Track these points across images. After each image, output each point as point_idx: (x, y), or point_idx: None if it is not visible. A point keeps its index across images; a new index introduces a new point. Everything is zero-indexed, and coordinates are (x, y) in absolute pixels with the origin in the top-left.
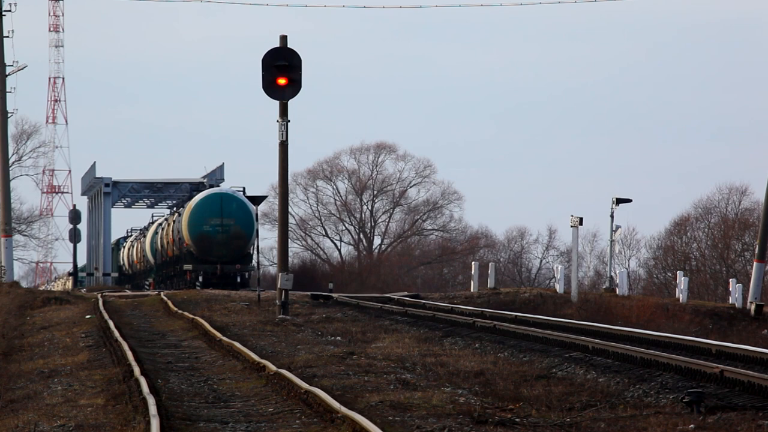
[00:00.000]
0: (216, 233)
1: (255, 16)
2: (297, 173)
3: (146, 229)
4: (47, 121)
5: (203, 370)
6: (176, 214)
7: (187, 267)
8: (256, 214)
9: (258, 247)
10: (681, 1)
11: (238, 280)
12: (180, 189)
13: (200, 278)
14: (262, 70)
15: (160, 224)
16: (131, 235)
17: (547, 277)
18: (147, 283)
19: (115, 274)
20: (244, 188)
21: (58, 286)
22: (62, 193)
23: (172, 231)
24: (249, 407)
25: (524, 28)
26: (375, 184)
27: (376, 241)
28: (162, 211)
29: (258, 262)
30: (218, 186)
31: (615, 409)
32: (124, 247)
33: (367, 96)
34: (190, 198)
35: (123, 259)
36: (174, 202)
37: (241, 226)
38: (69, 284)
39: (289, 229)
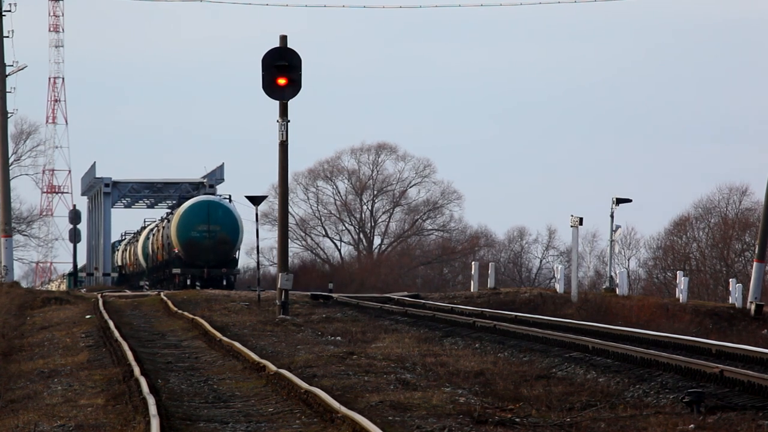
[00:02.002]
0: (203, 239)
1: (255, 16)
2: (297, 173)
3: (138, 233)
4: (47, 121)
5: (203, 370)
6: (166, 221)
7: (176, 271)
8: (256, 215)
9: (258, 247)
10: (681, 1)
11: (224, 282)
12: (180, 189)
13: (188, 281)
14: (262, 70)
15: (151, 230)
16: (125, 239)
17: (547, 277)
18: (145, 284)
19: (115, 274)
20: (230, 196)
21: (53, 287)
22: (62, 193)
23: (162, 236)
24: (249, 407)
25: (524, 28)
26: (375, 184)
27: (376, 241)
28: (162, 211)
29: (258, 262)
30: (216, 188)
31: (615, 409)
32: (118, 250)
33: (367, 96)
34: (179, 205)
35: (117, 262)
36: (174, 202)
37: (227, 232)
38: (63, 285)
39: (289, 229)
